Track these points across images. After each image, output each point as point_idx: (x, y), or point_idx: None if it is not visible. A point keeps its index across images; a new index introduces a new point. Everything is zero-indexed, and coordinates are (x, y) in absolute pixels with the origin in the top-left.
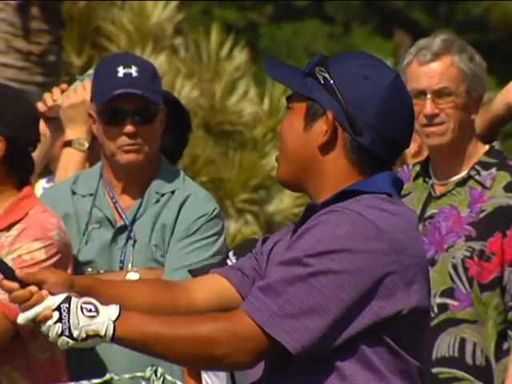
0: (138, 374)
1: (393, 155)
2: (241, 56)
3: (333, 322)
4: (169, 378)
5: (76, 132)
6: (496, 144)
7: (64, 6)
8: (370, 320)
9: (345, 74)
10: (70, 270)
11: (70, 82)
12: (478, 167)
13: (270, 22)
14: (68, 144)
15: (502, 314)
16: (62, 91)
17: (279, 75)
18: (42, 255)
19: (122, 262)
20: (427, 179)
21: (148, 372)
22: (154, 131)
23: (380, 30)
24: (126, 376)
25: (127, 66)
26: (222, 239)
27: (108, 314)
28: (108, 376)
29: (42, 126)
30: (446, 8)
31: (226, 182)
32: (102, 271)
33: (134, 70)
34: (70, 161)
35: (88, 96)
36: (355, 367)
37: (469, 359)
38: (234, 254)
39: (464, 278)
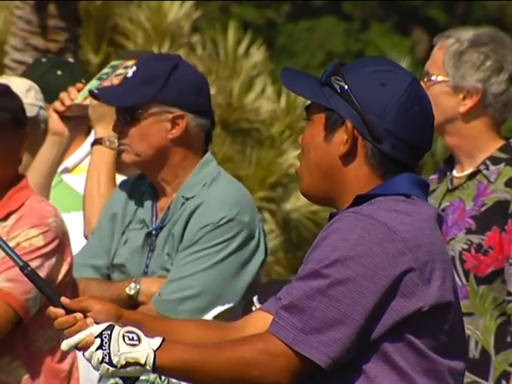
0: (143, 377)
1: (415, 158)
2: (258, 54)
3: (358, 329)
4: (174, 381)
5: (106, 130)
6: None
7: (81, 4)
8: (392, 320)
9: (361, 82)
10: (69, 260)
11: None
12: (488, 162)
13: (288, 19)
14: (98, 142)
15: (501, 308)
16: (79, 90)
17: (296, 86)
18: (40, 241)
19: (147, 266)
20: (448, 173)
21: (152, 375)
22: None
23: (397, 27)
24: None
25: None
26: (234, 245)
27: (150, 344)
28: (112, 381)
29: (60, 126)
30: (463, 5)
31: (243, 180)
32: (131, 275)
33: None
34: (101, 159)
35: None
36: (380, 368)
37: None
38: (258, 299)
39: (460, 271)
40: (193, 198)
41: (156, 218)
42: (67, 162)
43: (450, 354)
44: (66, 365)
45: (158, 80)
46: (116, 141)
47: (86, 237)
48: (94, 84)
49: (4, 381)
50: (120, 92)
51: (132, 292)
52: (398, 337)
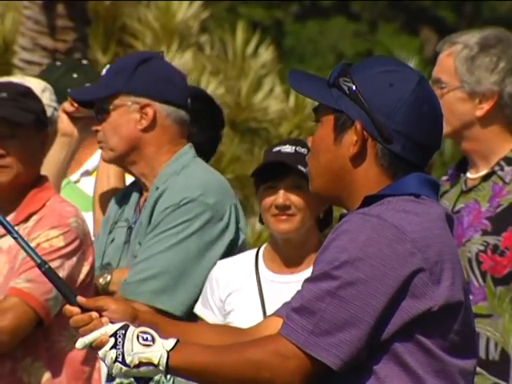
0: None
1: (425, 158)
2: (266, 54)
3: (369, 330)
4: (179, 379)
5: None
6: None
7: (89, 4)
8: (402, 320)
9: (369, 82)
10: (90, 260)
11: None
12: (502, 163)
13: (296, 20)
14: None
15: None
16: None
17: (304, 88)
18: (60, 242)
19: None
20: (462, 174)
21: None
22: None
23: (406, 27)
24: None
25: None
26: (196, 225)
27: (164, 345)
28: (118, 380)
29: (70, 127)
30: (472, 5)
31: (251, 180)
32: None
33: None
34: None
35: None
36: (390, 369)
37: (482, 354)
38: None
39: (477, 272)
40: (158, 187)
41: (137, 213)
42: (87, 165)
43: (460, 353)
44: (88, 366)
45: (126, 72)
46: None
47: (95, 238)
48: None
49: (27, 381)
50: (91, 89)
51: (103, 282)
52: (408, 337)
